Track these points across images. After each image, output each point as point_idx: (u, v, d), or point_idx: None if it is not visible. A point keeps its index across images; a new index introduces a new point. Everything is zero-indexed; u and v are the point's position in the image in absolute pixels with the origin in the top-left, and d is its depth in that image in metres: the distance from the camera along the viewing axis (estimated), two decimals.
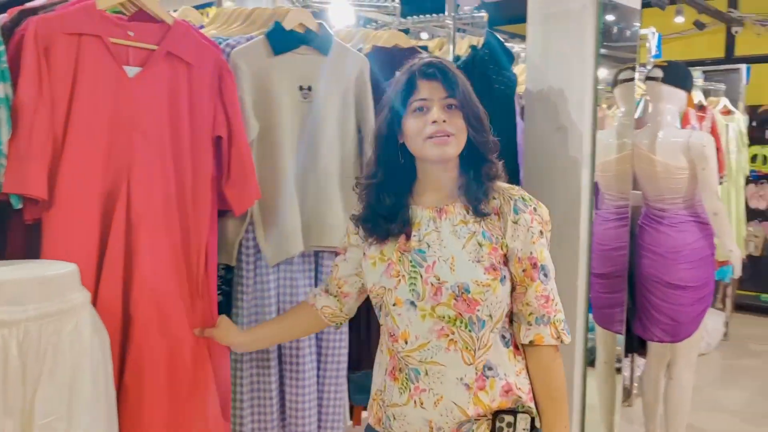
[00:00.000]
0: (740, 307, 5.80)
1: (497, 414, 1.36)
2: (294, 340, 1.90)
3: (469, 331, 1.36)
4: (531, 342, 1.41)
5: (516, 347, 1.43)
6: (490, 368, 1.37)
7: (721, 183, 3.76)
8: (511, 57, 2.47)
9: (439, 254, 1.38)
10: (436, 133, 1.37)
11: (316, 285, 1.99)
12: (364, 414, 2.65)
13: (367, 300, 1.56)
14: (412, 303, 1.38)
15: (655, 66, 3.08)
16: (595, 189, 2.51)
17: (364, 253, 1.49)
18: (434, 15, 2.73)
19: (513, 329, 1.44)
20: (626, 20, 2.63)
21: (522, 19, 2.56)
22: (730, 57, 6.30)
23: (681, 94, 2.95)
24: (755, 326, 5.73)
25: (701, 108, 4.31)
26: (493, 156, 1.43)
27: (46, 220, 1.46)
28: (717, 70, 5.75)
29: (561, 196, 2.39)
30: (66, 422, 1.23)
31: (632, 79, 2.79)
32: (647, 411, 3.24)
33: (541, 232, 1.41)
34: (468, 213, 1.41)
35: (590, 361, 2.58)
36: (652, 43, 4.15)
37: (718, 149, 3.38)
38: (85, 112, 1.49)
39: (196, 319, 1.66)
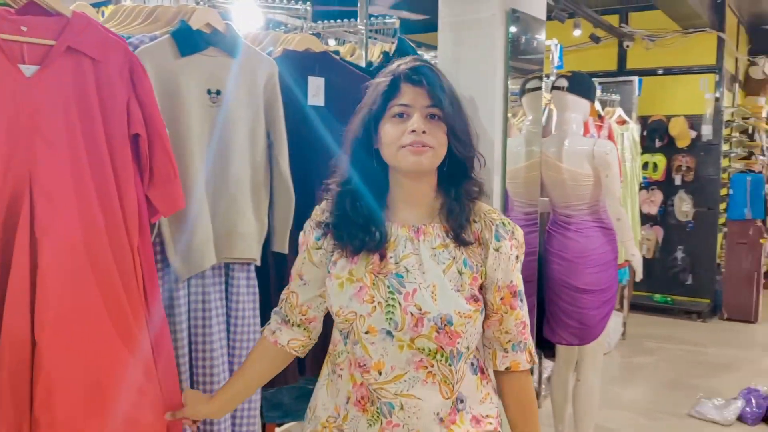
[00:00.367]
0: (635, 307, 6.09)
1: None
2: (208, 357, 1.79)
3: (449, 365, 1.27)
4: (507, 369, 1.37)
5: (482, 372, 1.37)
6: (461, 401, 1.31)
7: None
8: None
9: (419, 281, 1.27)
10: (412, 144, 1.26)
11: (227, 299, 1.89)
12: (277, 430, 2.56)
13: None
14: (389, 333, 1.26)
15: (561, 76, 3.17)
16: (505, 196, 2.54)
17: (329, 272, 1.34)
18: (346, 20, 2.70)
19: (482, 355, 1.38)
20: (532, 31, 2.69)
21: (432, 28, 2.57)
22: (622, 69, 6.64)
23: (585, 103, 3.05)
24: (649, 325, 6.03)
25: (599, 117, 4.49)
26: (476, 173, 1.34)
27: None
28: (612, 82, 6.05)
29: None
30: None
31: (539, 88, 2.85)
32: (556, 412, 3.31)
33: (517, 257, 1.34)
34: (448, 236, 1.31)
35: None
36: (555, 55, 4.29)
37: (617, 158, 3.52)
38: None
39: (134, 338, 1.51)
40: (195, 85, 1.80)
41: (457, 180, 1.32)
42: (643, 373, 4.84)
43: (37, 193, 1.40)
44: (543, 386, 3.95)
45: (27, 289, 1.38)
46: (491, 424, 1.34)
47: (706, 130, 6.37)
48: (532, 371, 1.42)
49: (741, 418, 3.87)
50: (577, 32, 5.83)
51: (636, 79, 6.01)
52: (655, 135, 6.48)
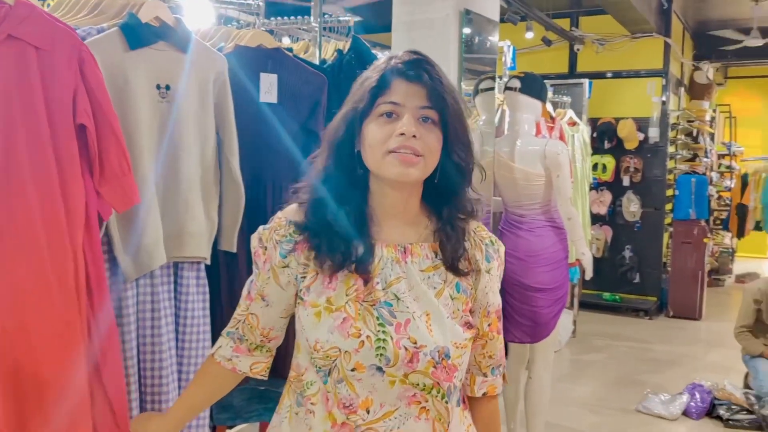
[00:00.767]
0: (585, 305, 6.21)
1: None
2: (157, 359, 1.75)
3: (445, 402, 1.12)
4: (484, 394, 1.24)
5: (464, 402, 1.23)
6: None
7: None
8: None
9: (412, 310, 1.10)
10: (400, 148, 1.08)
11: (176, 299, 1.85)
12: None
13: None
14: (379, 368, 1.09)
15: (513, 77, 3.21)
16: None
17: (302, 299, 1.14)
18: (299, 17, 2.67)
19: (463, 382, 1.23)
20: (486, 32, 2.72)
21: (387, 28, 2.57)
22: (573, 72, 6.77)
23: (537, 104, 3.09)
24: (598, 323, 6.16)
25: (551, 119, 4.57)
26: (471, 190, 1.18)
27: None
28: (563, 84, 6.16)
29: None
30: None
31: (492, 89, 2.88)
32: (508, 409, 3.35)
33: (500, 276, 1.22)
34: (437, 256, 1.15)
35: None
36: (508, 56, 4.35)
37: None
38: None
39: (75, 336, 1.45)
40: (144, 79, 1.76)
41: (450, 197, 1.16)
42: (592, 370, 4.93)
43: None
44: None
45: None
46: None
47: (653, 133, 6.55)
48: None
49: (686, 413, 3.98)
50: (529, 35, 5.92)
51: (586, 81, 6.14)
52: (604, 137, 6.62)
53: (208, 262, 1.93)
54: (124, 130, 1.69)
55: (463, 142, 1.13)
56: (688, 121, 7.35)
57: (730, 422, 3.86)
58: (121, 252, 1.71)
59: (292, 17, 2.67)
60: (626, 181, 6.66)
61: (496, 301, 1.21)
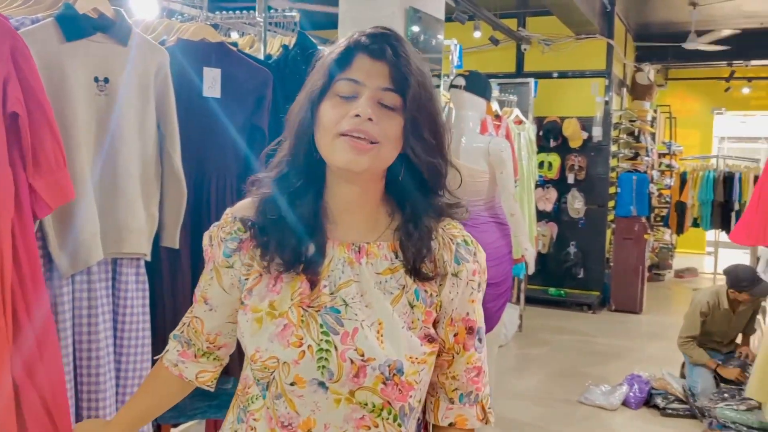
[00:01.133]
0: (531, 300, 6.34)
1: None
2: (93, 357, 1.72)
3: (398, 425, 0.99)
4: (451, 424, 1.06)
5: (425, 428, 1.09)
6: None
7: (515, 187, 4.07)
8: None
9: (361, 317, 0.98)
10: (352, 131, 0.95)
11: (114, 296, 1.82)
12: (173, 431, 2.49)
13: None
14: (321, 384, 0.96)
15: (458, 75, 3.25)
16: None
17: (243, 303, 1.03)
18: (244, 12, 2.65)
19: (425, 404, 1.08)
20: (432, 30, 2.75)
21: (333, 24, 2.57)
22: (520, 72, 6.88)
23: (481, 101, 3.14)
24: (544, 317, 6.29)
25: (497, 117, 4.64)
26: (442, 187, 1.05)
27: None
28: (509, 83, 6.26)
29: None
30: None
31: (438, 86, 2.91)
32: None
33: (479, 285, 1.06)
34: (396, 257, 1.01)
35: None
36: (455, 55, 4.39)
37: (512, 155, 3.65)
38: None
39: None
40: (81, 71, 1.72)
41: (415, 193, 1.03)
42: (537, 363, 5.04)
43: None
44: None
45: None
46: None
47: (597, 132, 6.71)
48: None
49: (626, 403, 4.11)
50: (477, 34, 5.99)
51: (532, 81, 6.26)
52: (549, 135, 6.76)
53: (149, 258, 1.91)
54: (61, 123, 1.65)
55: (429, 131, 0.99)
56: (630, 121, 7.56)
57: (667, 410, 4.01)
58: (55, 248, 1.67)
59: (237, 12, 2.65)
60: (571, 179, 6.81)
61: (463, 309, 1.04)
